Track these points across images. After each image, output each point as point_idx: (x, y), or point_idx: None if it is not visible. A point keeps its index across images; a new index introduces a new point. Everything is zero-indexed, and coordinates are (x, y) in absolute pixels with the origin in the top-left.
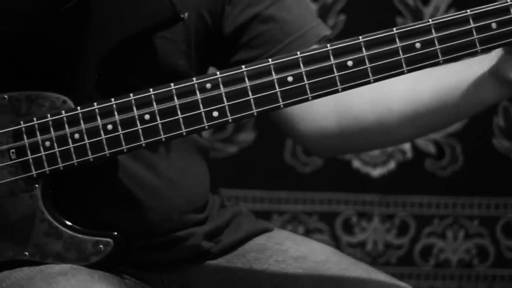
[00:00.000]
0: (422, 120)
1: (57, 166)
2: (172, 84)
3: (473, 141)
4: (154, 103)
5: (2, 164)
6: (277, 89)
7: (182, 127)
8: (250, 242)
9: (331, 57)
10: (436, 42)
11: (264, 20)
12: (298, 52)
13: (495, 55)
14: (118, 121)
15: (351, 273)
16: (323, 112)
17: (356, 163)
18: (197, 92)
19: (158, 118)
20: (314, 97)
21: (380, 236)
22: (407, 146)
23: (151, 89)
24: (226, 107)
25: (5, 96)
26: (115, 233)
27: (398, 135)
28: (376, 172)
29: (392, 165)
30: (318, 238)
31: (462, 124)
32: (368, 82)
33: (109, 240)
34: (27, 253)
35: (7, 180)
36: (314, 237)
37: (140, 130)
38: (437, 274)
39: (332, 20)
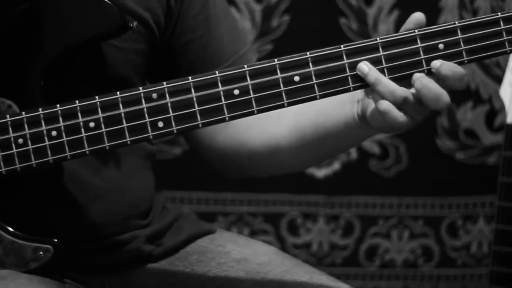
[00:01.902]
0: (308, 154)
1: (0, 170)
2: (118, 93)
3: (417, 141)
4: (100, 111)
5: None
6: (223, 102)
7: (127, 135)
8: (192, 244)
9: (278, 71)
10: (383, 60)
11: (200, 47)
12: (245, 66)
13: (362, 96)
14: (62, 128)
15: (293, 274)
16: (221, 136)
17: None
18: (143, 101)
19: (103, 126)
20: (259, 111)
21: (325, 237)
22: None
23: (96, 97)
24: (172, 117)
25: None
26: (55, 240)
27: (290, 166)
28: (321, 173)
29: (336, 165)
30: (263, 240)
31: None
32: (314, 98)
33: (49, 246)
34: None
35: None
36: (259, 239)
37: (84, 138)
38: (382, 274)
39: (276, 21)
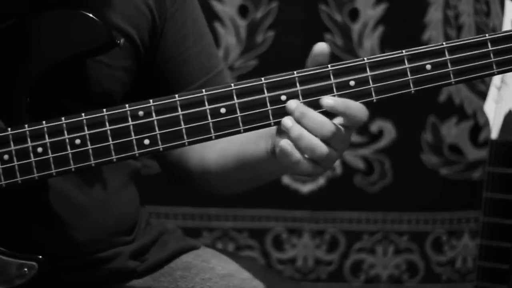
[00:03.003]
0: (233, 181)
1: None
2: (104, 110)
3: (402, 157)
4: (86, 128)
5: None
6: (210, 120)
7: (113, 153)
8: (176, 260)
9: (265, 91)
10: (370, 80)
11: (179, 63)
12: (232, 84)
13: (274, 133)
14: (48, 144)
15: None
16: (170, 157)
17: (286, 179)
18: (129, 119)
19: (89, 143)
20: (246, 130)
21: (310, 252)
22: (336, 162)
23: (83, 114)
24: (158, 135)
25: None
26: (40, 256)
27: (221, 190)
28: (306, 188)
29: (321, 181)
30: (248, 255)
31: (391, 139)
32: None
33: (34, 263)
34: None
35: None
36: (244, 254)
37: (70, 155)
38: None
39: (261, 36)
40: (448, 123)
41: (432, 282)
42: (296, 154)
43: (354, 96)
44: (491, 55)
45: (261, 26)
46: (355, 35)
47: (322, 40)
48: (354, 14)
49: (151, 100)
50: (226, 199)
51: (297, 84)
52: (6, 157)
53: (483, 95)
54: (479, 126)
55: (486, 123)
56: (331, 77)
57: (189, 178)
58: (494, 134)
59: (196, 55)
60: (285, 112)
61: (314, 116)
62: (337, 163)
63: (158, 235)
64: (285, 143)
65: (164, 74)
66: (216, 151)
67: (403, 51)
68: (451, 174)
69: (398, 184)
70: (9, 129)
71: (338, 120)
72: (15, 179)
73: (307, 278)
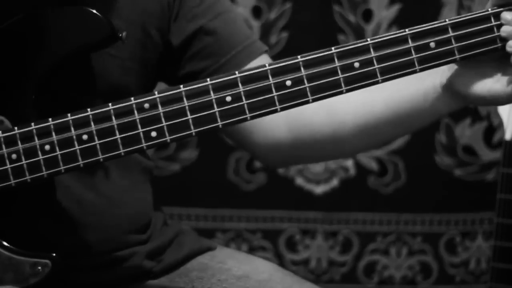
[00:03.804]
0: (375, 132)
1: None
2: (110, 104)
3: (416, 158)
4: (92, 123)
5: None
6: (216, 109)
7: (120, 147)
8: (192, 261)
9: (270, 77)
10: (374, 61)
11: (209, 32)
12: (237, 72)
13: (447, 68)
14: (55, 142)
15: None
16: (275, 122)
17: (299, 180)
18: (135, 112)
19: (96, 138)
20: (252, 117)
21: (324, 253)
22: (349, 163)
23: (88, 109)
24: (165, 127)
25: None
26: (54, 254)
27: (352, 147)
28: (319, 189)
29: (335, 182)
30: (261, 256)
31: (405, 141)
32: (307, 102)
33: (47, 261)
34: None
35: None
36: (257, 255)
37: (78, 151)
38: None
39: (275, 38)
40: (462, 124)
41: (446, 283)
42: None
43: (358, 79)
44: (495, 29)
45: (274, 27)
46: (369, 36)
47: (336, 41)
48: (367, 15)
49: (156, 92)
50: (239, 200)
51: (302, 69)
52: (14, 156)
53: None
54: (493, 127)
55: (500, 124)
56: (335, 59)
57: (313, 141)
58: (508, 135)
59: (232, 19)
60: (290, 98)
61: None
62: (351, 164)
63: (174, 235)
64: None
65: (189, 51)
66: (353, 100)
67: (406, 30)
68: (465, 175)
69: (412, 185)
70: (16, 128)
71: None
72: (25, 178)
73: (321, 279)
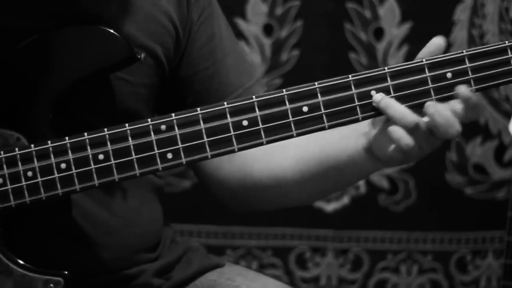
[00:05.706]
0: (312, 186)
1: (9, 203)
2: (127, 125)
3: (426, 176)
4: (109, 143)
5: None
6: (232, 133)
7: (136, 168)
8: (201, 278)
9: (287, 102)
10: (391, 90)
11: (213, 77)
12: (254, 96)
13: (369, 129)
14: (71, 160)
15: None
16: (230, 174)
17: None
18: (152, 133)
19: (112, 158)
20: (268, 142)
21: (334, 271)
22: (360, 181)
23: (105, 129)
24: (181, 149)
25: None
26: (66, 272)
27: (295, 199)
28: (330, 207)
29: (345, 200)
30: (272, 273)
31: None
32: (323, 128)
33: (60, 279)
34: None
35: None
36: (268, 272)
37: (93, 170)
38: None
39: (286, 55)
40: (473, 143)
41: None
42: (408, 139)
43: (375, 107)
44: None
45: (285, 45)
46: (380, 54)
47: (347, 59)
48: (379, 33)
49: (173, 114)
50: (249, 217)
51: (319, 95)
52: (30, 173)
53: (508, 115)
54: (504, 145)
55: (511, 142)
56: (352, 87)
57: (257, 192)
58: None
59: (225, 70)
60: (305, 121)
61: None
62: (362, 182)
63: (183, 252)
64: (396, 129)
65: (192, 88)
66: (290, 156)
67: (423, 59)
68: (475, 193)
69: (423, 203)
70: (32, 145)
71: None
72: (40, 196)
73: None
